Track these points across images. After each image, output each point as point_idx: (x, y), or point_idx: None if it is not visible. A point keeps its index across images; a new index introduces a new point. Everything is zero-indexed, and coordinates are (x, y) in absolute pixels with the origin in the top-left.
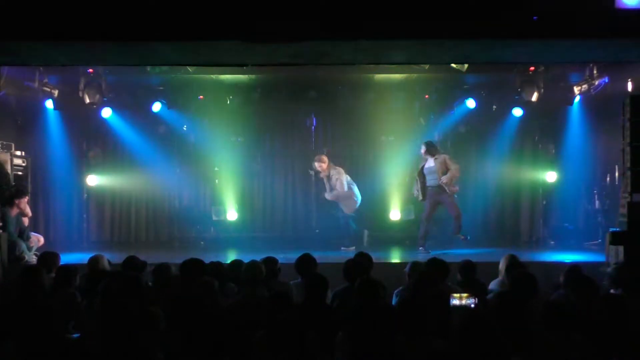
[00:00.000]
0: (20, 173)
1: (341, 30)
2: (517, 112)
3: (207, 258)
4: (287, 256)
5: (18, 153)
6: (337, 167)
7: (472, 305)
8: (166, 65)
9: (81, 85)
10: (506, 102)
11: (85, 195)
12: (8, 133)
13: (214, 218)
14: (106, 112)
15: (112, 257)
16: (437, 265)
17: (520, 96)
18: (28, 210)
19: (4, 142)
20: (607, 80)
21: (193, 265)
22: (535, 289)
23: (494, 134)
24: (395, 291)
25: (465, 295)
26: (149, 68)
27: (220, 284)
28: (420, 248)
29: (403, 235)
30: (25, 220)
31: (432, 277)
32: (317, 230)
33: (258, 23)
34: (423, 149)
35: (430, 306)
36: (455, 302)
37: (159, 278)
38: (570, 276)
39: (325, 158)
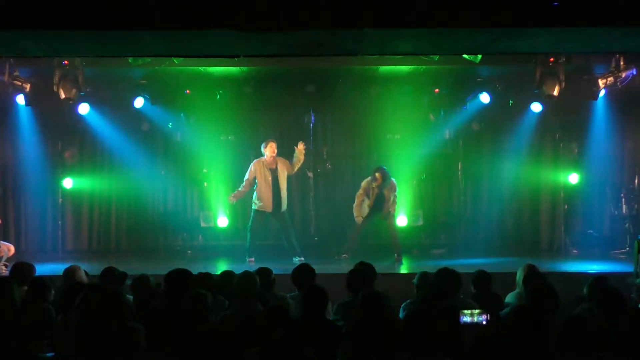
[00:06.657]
0: None
1: (344, 17)
2: (536, 107)
3: (195, 269)
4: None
5: None
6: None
7: (484, 322)
8: (149, 57)
9: (56, 79)
10: (524, 97)
11: (61, 199)
12: None
13: (203, 224)
14: (83, 108)
15: (90, 268)
16: (448, 277)
17: (539, 90)
18: None
19: None
20: (635, 72)
21: (179, 277)
22: (555, 303)
23: (511, 132)
24: (403, 304)
25: (476, 311)
26: (130, 59)
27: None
28: (344, 255)
29: (411, 243)
30: None
31: (442, 290)
32: (315, 238)
33: (250, 9)
34: (382, 176)
35: (440, 322)
36: (465, 319)
37: (139, 291)
38: (595, 288)
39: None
